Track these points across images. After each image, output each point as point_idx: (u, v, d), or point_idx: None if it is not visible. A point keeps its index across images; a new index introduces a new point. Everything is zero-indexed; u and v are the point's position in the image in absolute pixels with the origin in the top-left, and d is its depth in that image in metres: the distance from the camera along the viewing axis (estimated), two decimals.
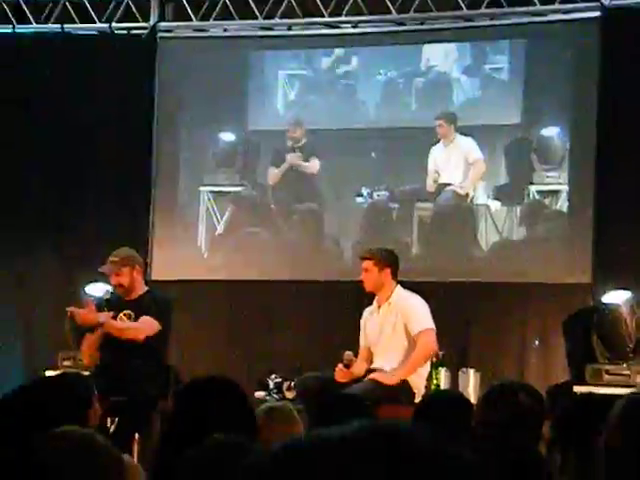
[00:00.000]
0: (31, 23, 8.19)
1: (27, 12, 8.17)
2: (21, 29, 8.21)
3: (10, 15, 8.19)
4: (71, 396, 3.16)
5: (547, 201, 7.61)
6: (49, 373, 6.82)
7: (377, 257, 6.00)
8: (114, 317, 5.83)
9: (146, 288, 6.04)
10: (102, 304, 5.99)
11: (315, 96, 8.15)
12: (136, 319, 5.83)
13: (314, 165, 7.94)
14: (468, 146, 7.65)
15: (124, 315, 5.89)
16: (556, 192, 7.54)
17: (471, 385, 6.54)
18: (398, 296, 6.01)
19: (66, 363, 7.32)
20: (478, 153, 7.62)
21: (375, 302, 6.09)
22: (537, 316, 7.33)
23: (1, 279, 8.09)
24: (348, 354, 5.92)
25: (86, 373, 5.76)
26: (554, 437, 2.71)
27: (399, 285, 6.05)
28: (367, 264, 5.99)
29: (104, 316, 5.72)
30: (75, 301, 7.53)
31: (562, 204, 7.50)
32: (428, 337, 5.85)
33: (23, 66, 8.15)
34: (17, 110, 8.13)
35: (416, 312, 5.91)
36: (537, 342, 7.25)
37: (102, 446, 1.80)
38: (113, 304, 5.95)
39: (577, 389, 6.16)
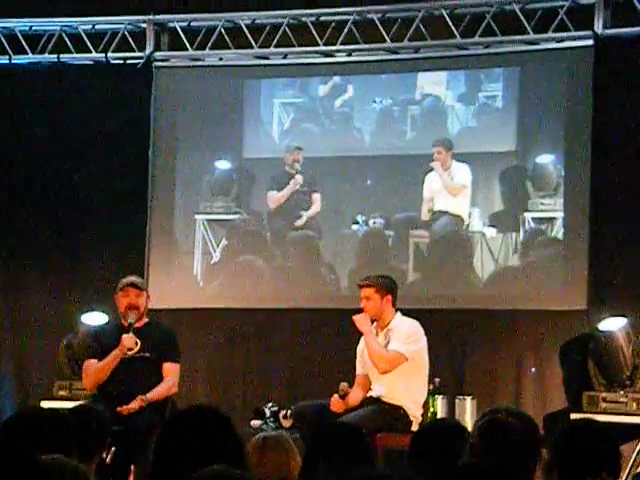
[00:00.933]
0: (27, 53, 8.23)
1: (23, 42, 8.21)
2: (17, 59, 8.25)
3: (6, 45, 8.22)
4: (92, 429, 3.16)
5: (542, 228, 7.63)
6: (45, 403, 6.80)
7: (379, 284, 6.00)
8: (116, 344, 5.84)
9: (147, 318, 6.09)
10: (112, 330, 6.00)
11: (310, 124, 8.18)
12: (143, 346, 5.86)
13: (317, 200, 7.95)
14: (460, 172, 7.69)
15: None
16: (551, 219, 7.56)
17: (468, 412, 6.53)
18: (397, 322, 6.00)
19: (62, 393, 7.29)
20: (466, 180, 7.65)
21: (374, 328, 6.08)
22: (533, 343, 7.32)
23: None
24: (344, 385, 5.90)
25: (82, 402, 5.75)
26: (550, 463, 2.71)
27: (399, 312, 6.06)
28: (368, 292, 5.98)
29: (146, 397, 5.69)
30: (70, 330, 7.53)
31: (557, 231, 7.52)
32: (392, 359, 5.83)
33: (19, 96, 8.19)
34: (13, 139, 8.15)
35: (403, 335, 5.92)
36: (533, 370, 7.24)
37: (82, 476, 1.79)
38: (115, 331, 5.97)
39: (574, 417, 6.14)
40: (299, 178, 7.98)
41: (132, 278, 6.06)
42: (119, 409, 5.58)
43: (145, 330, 5.95)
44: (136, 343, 5.88)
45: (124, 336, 5.83)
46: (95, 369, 5.87)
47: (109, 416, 3.76)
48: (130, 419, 5.58)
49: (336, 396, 5.87)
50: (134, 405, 5.65)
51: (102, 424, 3.34)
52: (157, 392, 5.79)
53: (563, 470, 2.72)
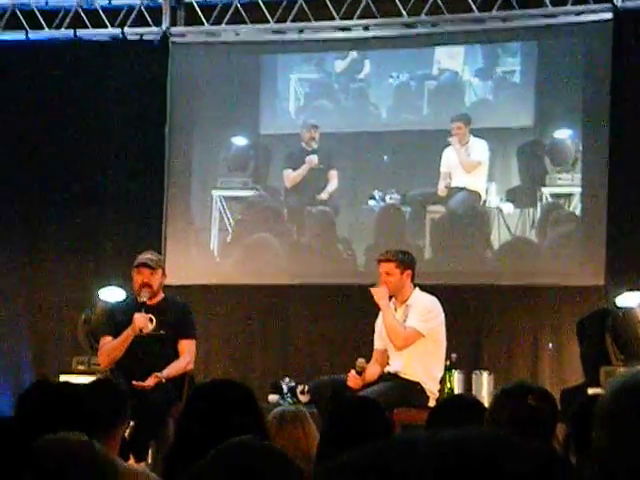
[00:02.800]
0: (44, 29, 8.23)
1: (40, 18, 8.21)
2: (34, 35, 8.25)
3: (23, 21, 8.23)
4: (108, 401, 3.18)
5: (560, 203, 7.59)
6: (64, 377, 6.85)
7: (399, 259, 5.97)
8: (131, 321, 5.86)
9: (162, 294, 6.08)
10: (127, 307, 6.00)
11: (327, 100, 8.15)
12: (159, 323, 5.86)
13: (333, 177, 7.94)
14: (478, 148, 7.66)
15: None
16: (569, 194, 7.53)
17: (485, 388, 6.53)
18: (416, 298, 6.00)
19: (80, 367, 7.34)
20: (483, 156, 7.63)
21: (392, 304, 6.08)
22: (550, 318, 7.31)
23: (14, 283, 8.12)
24: (361, 361, 5.90)
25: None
26: (568, 438, 2.71)
27: (417, 288, 6.05)
28: (388, 267, 5.95)
29: (163, 375, 5.72)
30: (88, 305, 7.57)
31: (575, 206, 7.49)
32: (408, 335, 5.84)
33: (36, 72, 8.19)
34: (30, 116, 8.17)
35: (421, 311, 5.91)
36: (551, 345, 7.23)
37: (98, 455, 1.80)
38: (131, 308, 5.97)
39: (591, 391, 6.14)
40: (314, 158, 7.96)
41: (147, 256, 6.02)
42: (134, 383, 5.60)
43: (160, 307, 5.94)
44: (151, 320, 5.88)
45: (136, 315, 5.81)
46: (109, 347, 5.89)
47: (127, 389, 3.77)
48: (148, 395, 5.60)
49: (353, 372, 5.87)
50: (149, 382, 5.66)
51: (120, 397, 3.36)
52: (173, 369, 5.80)
53: (580, 444, 2.72)
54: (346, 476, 0.78)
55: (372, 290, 5.92)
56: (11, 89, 8.23)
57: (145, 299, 5.89)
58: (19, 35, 8.27)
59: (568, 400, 6.14)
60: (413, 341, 5.84)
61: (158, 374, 5.69)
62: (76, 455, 1.79)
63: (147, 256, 6.02)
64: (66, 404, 2.90)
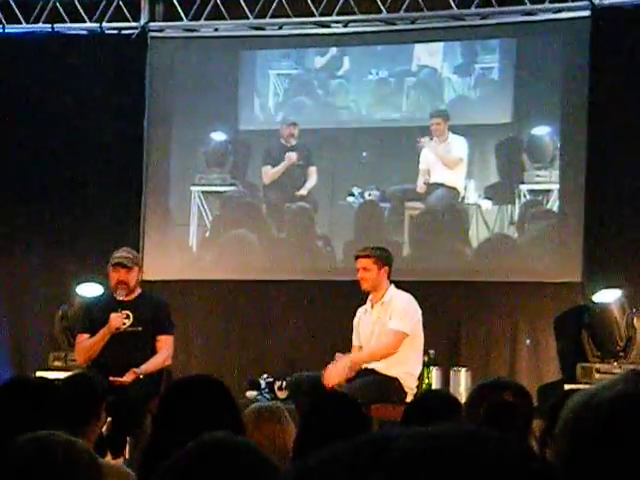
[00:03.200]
0: (21, 23, 8.17)
1: (17, 12, 8.15)
2: (11, 29, 8.19)
3: (0, 15, 8.17)
4: (89, 397, 3.17)
5: (538, 200, 7.62)
6: (40, 373, 6.81)
7: (376, 256, 5.99)
8: (108, 318, 5.83)
9: (139, 289, 6.06)
10: (103, 304, 5.97)
11: (306, 96, 8.15)
12: (135, 320, 5.84)
13: (313, 173, 7.93)
14: (457, 145, 7.68)
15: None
16: (547, 191, 7.56)
17: (462, 384, 6.55)
18: (392, 295, 6.01)
19: (57, 363, 7.30)
20: (462, 153, 7.65)
21: (369, 301, 6.09)
22: (528, 315, 7.34)
23: None
24: (339, 356, 5.91)
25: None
26: (545, 433, 2.72)
27: (393, 285, 6.06)
28: (366, 262, 5.97)
29: (140, 371, 5.69)
30: (66, 301, 7.53)
31: (553, 203, 7.52)
32: (394, 339, 5.84)
33: (13, 66, 8.14)
34: (5, 111, 8.11)
35: (401, 312, 5.92)
36: (528, 341, 7.26)
37: (84, 453, 1.79)
38: (107, 304, 5.94)
39: (568, 388, 6.17)
40: (293, 155, 7.95)
41: (122, 254, 5.98)
42: (111, 379, 5.58)
43: (137, 303, 5.93)
44: (128, 317, 5.87)
45: (112, 315, 5.80)
46: (85, 346, 5.88)
47: (103, 384, 3.75)
48: (125, 391, 5.59)
49: (329, 367, 5.87)
50: (127, 378, 5.65)
51: (95, 392, 3.34)
52: (151, 364, 5.79)
53: (554, 440, 2.73)
54: (315, 476, 0.78)
55: (327, 375, 5.67)
56: None
57: (121, 297, 5.87)
58: None
59: (545, 396, 6.17)
60: (401, 342, 5.86)
61: (136, 370, 5.68)
62: (59, 454, 1.77)
63: (123, 254, 5.98)
64: (42, 400, 2.88)
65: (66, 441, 1.82)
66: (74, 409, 3.04)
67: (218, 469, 1.32)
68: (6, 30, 8.19)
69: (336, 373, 5.73)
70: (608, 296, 6.81)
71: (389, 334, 5.87)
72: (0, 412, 2.83)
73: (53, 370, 7.07)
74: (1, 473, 1.76)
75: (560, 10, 7.46)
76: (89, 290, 7.32)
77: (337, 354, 5.94)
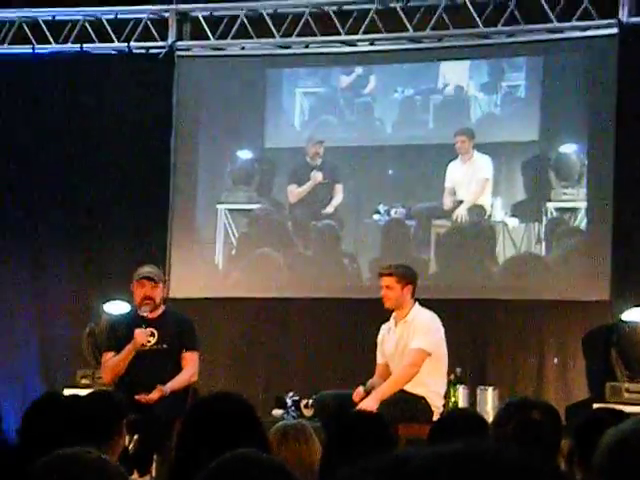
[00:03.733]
0: (50, 43, 8.25)
1: (46, 32, 8.24)
2: (40, 49, 8.28)
3: (30, 35, 8.26)
4: (107, 413, 3.18)
5: (565, 218, 7.58)
6: (68, 391, 6.84)
7: (400, 274, 5.97)
8: (133, 335, 5.85)
9: (164, 307, 6.07)
10: (129, 321, 5.98)
11: (332, 114, 8.17)
12: (161, 337, 5.85)
13: (339, 191, 7.94)
14: (483, 164, 7.66)
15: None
16: (574, 209, 7.52)
17: (489, 403, 6.51)
18: (415, 314, 5.99)
19: (84, 381, 7.33)
20: (488, 172, 7.63)
21: (392, 319, 6.07)
22: (556, 334, 7.29)
23: (20, 296, 8.13)
24: (358, 393, 5.83)
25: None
26: (572, 452, 2.69)
27: (417, 303, 6.04)
28: (389, 281, 5.95)
29: (167, 388, 5.70)
30: (93, 319, 7.57)
31: (580, 221, 7.48)
32: (416, 358, 5.81)
33: (42, 86, 8.22)
34: (35, 130, 8.18)
35: (422, 330, 5.89)
36: (556, 360, 7.21)
37: (116, 471, 1.79)
38: (133, 322, 5.95)
39: (597, 407, 6.11)
40: (319, 175, 7.97)
41: (148, 269, 5.99)
42: (137, 397, 5.58)
43: (162, 320, 5.93)
44: (152, 334, 5.86)
45: (137, 331, 5.79)
46: (111, 364, 5.88)
47: (124, 400, 3.75)
48: (152, 408, 5.59)
49: (361, 389, 5.85)
50: (153, 396, 5.64)
51: (114, 409, 3.34)
52: (177, 382, 5.78)
53: (584, 459, 2.70)
54: None
55: (362, 407, 5.50)
56: (17, 103, 8.26)
57: (146, 313, 5.88)
58: (25, 49, 8.29)
59: (573, 415, 6.11)
60: (422, 361, 5.83)
61: (162, 387, 5.68)
62: (93, 471, 1.78)
63: (148, 269, 5.99)
64: (72, 417, 2.89)
65: (99, 458, 1.83)
66: (94, 426, 3.05)
67: None
68: (36, 50, 8.27)
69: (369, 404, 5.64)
70: (637, 315, 6.75)
71: (410, 353, 5.85)
72: (32, 428, 2.84)
73: (81, 388, 7.09)
74: None
75: (587, 28, 7.44)
76: (116, 308, 7.35)
77: (357, 390, 5.82)
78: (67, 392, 6.73)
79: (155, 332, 5.87)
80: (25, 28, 8.28)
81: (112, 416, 3.23)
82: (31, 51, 8.28)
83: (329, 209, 7.96)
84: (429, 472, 0.77)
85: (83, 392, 6.20)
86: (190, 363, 5.87)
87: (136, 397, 5.56)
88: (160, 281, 5.98)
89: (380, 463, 0.79)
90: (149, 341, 5.86)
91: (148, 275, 5.92)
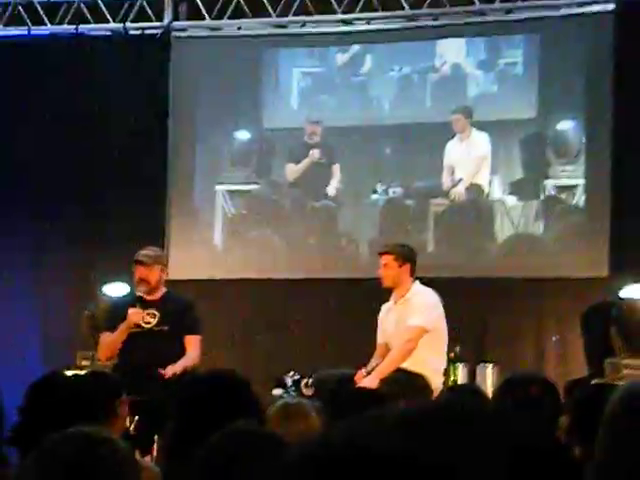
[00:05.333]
0: (46, 25, 8.22)
1: (42, 14, 8.20)
2: (36, 31, 8.24)
3: (25, 17, 8.22)
4: (101, 393, 3.19)
5: (563, 196, 7.58)
6: (68, 372, 6.85)
7: (397, 252, 5.98)
8: None
9: (165, 289, 6.07)
10: (129, 302, 5.99)
11: (329, 94, 8.15)
12: (162, 319, 5.85)
13: (337, 171, 7.93)
14: (480, 141, 7.65)
15: (147, 315, 5.91)
16: (572, 186, 7.52)
17: (489, 380, 6.53)
18: (414, 292, 6.00)
19: (84, 362, 7.34)
20: (485, 150, 7.62)
21: (392, 298, 6.08)
22: (554, 311, 7.31)
23: (20, 279, 8.13)
24: (360, 376, 5.84)
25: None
26: (572, 428, 2.70)
27: (417, 281, 6.04)
28: (387, 259, 5.96)
29: (177, 366, 5.70)
30: (93, 301, 7.58)
31: (578, 198, 7.48)
32: (412, 334, 5.82)
33: (38, 67, 8.19)
34: (32, 112, 8.16)
35: (419, 307, 5.90)
36: (555, 337, 7.22)
37: (121, 449, 1.80)
38: (132, 303, 5.95)
39: (595, 383, 6.12)
40: (316, 152, 7.96)
41: (143, 252, 5.97)
42: (163, 372, 5.59)
43: (163, 302, 5.93)
44: (154, 316, 5.88)
45: (130, 311, 5.80)
46: (106, 342, 5.90)
47: (119, 381, 3.75)
48: (152, 389, 5.60)
49: (363, 371, 5.86)
50: (168, 372, 5.64)
51: (107, 389, 3.35)
52: (185, 363, 5.78)
53: (584, 434, 2.71)
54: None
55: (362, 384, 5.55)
56: (13, 85, 8.23)
57: (141, 294, 5.89)
58: (21, 31, 8.26)
59: (572, 392, 6.12)
60: (419, 338, 5.84)
61: (175, 366, 5.68)
62: (104, 449, 1.78)
63: (144, 252, 5.98)
64: (69, 397, 2.90)
65: (108, 437, 1.83)
66: (89, 406, 3.06)
67: (242, 458, 1.33)
68: (31, 32, 8.24)
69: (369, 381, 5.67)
70: (636, 291, 6.76)
71: (407, 331, 5.86)
72: (33, 408, 2.85)
73: (81, 369, 7.11)
74: (46, 468, 1.76)
75: (584, 4, 7.42)
76: (115, 290, 7.36)
77: (359, 372, 5.85)
78: (68, 373, 6.75)
79: (156, 314, 5.88)
80: (20, 10, 8.25)
81: (106, 396, 3.23)
82: (27, 33, 8.25)
83: (329, 190, 7.95)
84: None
85: (83, 373, 6.23)
86: (193, 346, 5.88)
87: (161, 372, 5.56)
88: (155, 263, 5.94)
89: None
90: (149, 322, 5.87)
91: (139, 258, 5.93)
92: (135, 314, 5.80)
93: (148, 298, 5.91)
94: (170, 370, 5.66)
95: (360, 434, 0.81)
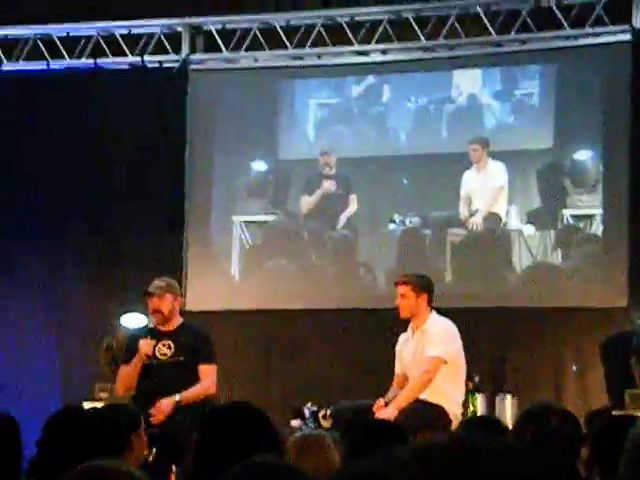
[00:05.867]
0: (65, 58, 8.30)
1: (61, 48, 8.28)
2: (55, 65, 8.32)
3: (44, 51, 8.31)
4: (118, 426, 3.19)
5: (581, 225, 7.56)
6: (86, 404, 6.85)
7: (415, 282, 5.96)
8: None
9: (181, 319, 6.07)
10: (144, 334, 6.00)
11: (346, 124, 8.18)
12: (177, 350, 5.85)
13: (353, 201, 7.94)
14: (497, 171, 7.65)
15: (163, 346, 5.91)
16: (590, 216, 7.50)
17: (508, 411, 6.49)
18: (432, 322, 5.98)
19: (103, 395, 7.33)
20: (502, 180, 7.62)
21: (410, 328, 6.06)
22: (574, 341, 7.26)
23: (38, 310, 8.16)
24: (379, 405, 5.81)
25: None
26: (592, 459, 2.68)
27: (434, 311, 6.02)
28: (404, 289, 5.94)
29: (178, 396, 5.71)
30: (111, 333, 7.58)
31: (596, 228, 7.45)
32: (430, 365, 5.79)
33: (57, 101, 8.26)
34: (51, 145, 8.22)
35: (437, 337, 5.87)
36: (575, 367, 7.17)
37: None
38: (149, 335, 5.96)
39: (616, 414, 6.07)
40: (327, 184, 7.97)
41: (153, 283, 5.98)
42: (151, 418, 5.58)
43: (178, 332, 5.93)
44: (169, 347, 5.88)
45: (141, 342, 5.81)
46: (122, 375, 5.94)
47: (138, 413, 3.75)
48: (170, 421, 5.59)
49: (381, 400, 5.84)
50: (159, 417, 5.62)
51: (124, 422, 3.34)
52: (191, 392, 5.77)
53: (604, 465, 2.69)
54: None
55: (380, 417, 5.49)
56: (33, 118, 8.30)
57: (153, 325, 5.91)
58: (40, 65, 8.34)
59: (592, 423, 6.08)
60: (437, 369, 5.81)
61: (175, 398, 5.67)
62: None
63: (154, 283, 5.98)
64: (87, 430, 2.90)
65: (126, 470, 1.82)
66: (107, 438, 3.06)
67: None
68: (50, 66, 8.32)
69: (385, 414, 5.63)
70: None
71: (425, 361, 5.84)
72: (51, 441, 2.85)
73: (98, 401, 7.10)
74: None
75: (600, 34, 7.43)
76: (133, 321, 7.37)
77: (378, 402, 5.82)
78: (85, 405, 6.75)
79: (172, 345, 5.88)
80: (40, 44, 8.33)
81: (123, 429, 3.23)
82: (46, 67, 8.33)
83: (342, 219, 7.96)
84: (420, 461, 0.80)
85: (101, 406, 6.24)
86: (206, 376, 5.86)
87: (150, 418, 5.55)
88: (166, 293, 5.94)
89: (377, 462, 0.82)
90: (165, 354, 5.87)
91: (148, 290, 5.94)
92: (145, 345, 5.81)
93: (163, 329, 5.91)
94: (160, 415, 5.62)
95: (378, 469, 0.82)
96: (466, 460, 0.82)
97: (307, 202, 8.06)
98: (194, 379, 5.85)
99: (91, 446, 2.85)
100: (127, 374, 5.88)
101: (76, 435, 2.85)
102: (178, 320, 6.01)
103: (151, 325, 6.05)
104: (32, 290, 8.16)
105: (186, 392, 5.76)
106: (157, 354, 5.87)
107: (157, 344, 5.88)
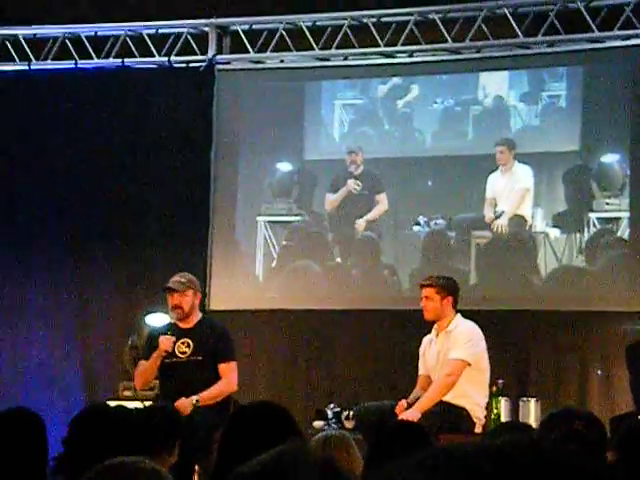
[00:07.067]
0: (92, 58, 8.35)
1: (89, 47, 8.34)
2: (83, 64, 8.37)
3: (72, 50, 8.36)
4: (162, 428, 3.20)
5: (608, 228, 7.52)
6: (111, 404, 6.88)
7: (440, 285, 5.95)
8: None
9: (200, 315, 6.09)
10: (164, 330, 6.02)
11: (371, 125, 8.18)
12: (195, 348, 5.87)
13: (383, 200, 7.92)
14: (523, 173, 7.62)
15: (182, 344, 5.93)
16: (617, 219, 7.45)
17: (532, 415, 6.46)
18: (456, 324, 5.97)
19: (127, 393, 7.37)
20: (528, 182, 7.59)
21: (434, 330, 6.05)
22: (599, 345, 7.22)
23: (64, 308, 8.21)
24: (401, 406, 5.80)
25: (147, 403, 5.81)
26: (617, 464, 2.66)
27: (459, 314, 6.01)
28: (429, 292, 5.94)
29: (196, 397, 5.73)
30: (135, 332, 7.62)
31: (623, 231, 7.41)
32: (454, 368, 5.77)
33: (85, 100, 8.31)
34: (78, 145, 8.27)
35: (461, 341, 5.86)
36: (600, 372, 7.13)
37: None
38: (169, 332, 5.99)
39: None
40: (352, 183, 7.96)
41: (175, 279, 6.00)
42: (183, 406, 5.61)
43: (197, 330, 5.94)
44: (189, 345, 5.89)
45: (161, 338, 5.84)
46: (139, 371, 5.98)
47: (179, 417, 3.78)
48: (193, 420, 5.61)
49: (404, 402, 5.83)
50: (184, 410, 5.63)
51: (173, 423, 3.37)
52: (211, 392, 5.77)
53: (630, 470, 2.67)
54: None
55: (404, 418, 5.51)
56: (61, 117, 8.36)
57: (174, 320, 5.94)
58: (69, 64, 8.40)
59: (617, 427, 6.04)
60: (461, 371, 5.80)
61: (194, 398, 5.68)
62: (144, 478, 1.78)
63: (174, 279, 6.01)
64: (119, 428, 2.92)
65: (152, 469, 1.83)
66: (150, 439, 3.07)
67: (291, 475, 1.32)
68: (79, 65, 8.38)
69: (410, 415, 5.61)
70: None
71: (449, 363, 5.83)
72: (78, 439, 2.87)
73: (123, 400, 7.14)
74: None
75: (629, 37, 7.38)
76: (158, 320, 7.39)
77: (400, 403, 5.81)
78: (110, 404, 6.78)
79: (191, 343, 5.89)
80: (68, 44, 8.38)
81: (169, 432, 3.25)
82: (74, 66, 8.38)
83: (369, 217, 7.93)
84: (472, 465, 0.79)
85: (126, 404, 6.27)
86: (226, 374, 5.87)
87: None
88: (187, 289, 5.95)
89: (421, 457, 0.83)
90: (184, 352, 5.89)
91: (170, 285, 5.96)
92: (165, 341, 5.84)
93: (182, 326, 5.93)
94: (187, 407, 5.65)
95: (401, 475, 0.83)
96: (491, 466, 0.82)
97: (331, 200, 8.06)
98: (214, 377, 5.86)
99: (128, 445, 2.85)
100: (144, 370, 5.92)
101: (110, 433, 2.86)
102: (197, 316, 6.02)
103: (172, 321, 6.07)
104: (57, 290, 8.21)
105: (205, 392, 5.77)
106: (177, 352, 5.89)
107: (177, 342, 5.90)
